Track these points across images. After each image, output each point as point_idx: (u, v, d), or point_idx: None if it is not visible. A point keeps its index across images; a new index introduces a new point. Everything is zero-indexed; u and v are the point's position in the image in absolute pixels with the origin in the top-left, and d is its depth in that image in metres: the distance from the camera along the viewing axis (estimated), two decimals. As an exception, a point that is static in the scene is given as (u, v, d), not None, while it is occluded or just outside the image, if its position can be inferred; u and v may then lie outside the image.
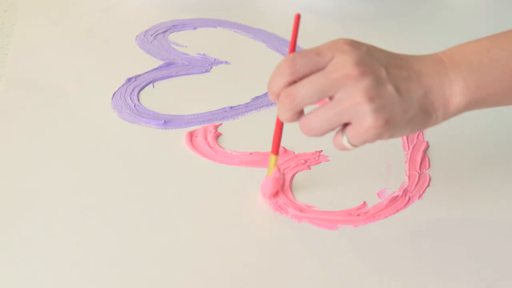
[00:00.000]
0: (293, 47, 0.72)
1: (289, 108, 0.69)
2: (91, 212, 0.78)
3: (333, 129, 0.70)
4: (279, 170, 0.80)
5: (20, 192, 0.80)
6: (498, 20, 1.16)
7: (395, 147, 0.88)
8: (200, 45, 1.06)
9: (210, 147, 0.87)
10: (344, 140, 0.70)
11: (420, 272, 0.73)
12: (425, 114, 0.69)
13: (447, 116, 0.70)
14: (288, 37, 1.08)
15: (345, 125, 0.69)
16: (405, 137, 0.89)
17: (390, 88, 0.68)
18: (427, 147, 0.88)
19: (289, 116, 0.70)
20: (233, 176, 0.84)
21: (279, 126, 0.77)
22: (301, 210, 0.79)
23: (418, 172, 0.84)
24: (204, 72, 1.01)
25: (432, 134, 0.89)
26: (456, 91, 0.69)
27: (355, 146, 0.70)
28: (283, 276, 0.72)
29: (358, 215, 0.79)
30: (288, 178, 0.83)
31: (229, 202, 0.80)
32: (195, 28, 1.11)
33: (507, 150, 0.88)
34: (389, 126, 0.68)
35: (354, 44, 0.69)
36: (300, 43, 1.06)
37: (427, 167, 0.85)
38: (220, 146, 0.87)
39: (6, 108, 0.92)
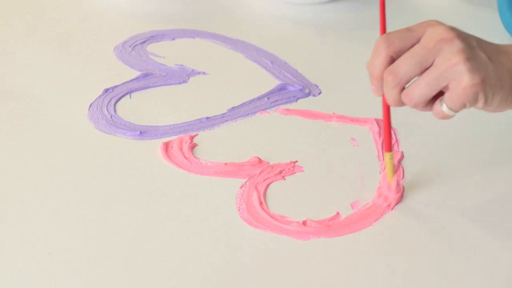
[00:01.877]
0: (384, 29, 0.76)
1: (393, 85, 0.73)
2: (65, 222, 0.78)
3: (433, 94, 0.73)
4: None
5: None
6: (470, 27, 1.16)
7: (370, 158, 0.88)
8: (178, 56, 1.06)
9: (185, 158, 0.87)
10: (444, 107, 0.73)
11: (393, 284, 0.73)
12: None
13: None
14: (266, 47, 1.09)
15: (442, 94, 0.73)
16: (380, 147, 0.89)
17: (482, 54, 0.72)
18: (402, 157, 0.88)
19: (395, 94, 0.73)
20: (207, 186, 0.84)
21: (387, 114, 0.79)
22: (275, 220, 0.79)
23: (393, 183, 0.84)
24: (181, 83, 1.01)
25: (406, 145, 0.90)
26: None
27: (454, 111, 0.73)
28: (254, 286, 0.72)
29: (331, 226, 0.79)
30: (262, 188, 0.83)
31: (203, 213, 0.80)
32: (173, 39, 1.11)
33: (481, 161, 0.88)
34: (484, 86, 0.71)
35: (442, 22, 0.73)
36: (280, 53, 1.07)
37: (402, 177, 0.85)
38: (195, 157, 0.88)
39: (-18, 118, 0.92)
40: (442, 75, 0.71)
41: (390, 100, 0.74)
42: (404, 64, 0.72)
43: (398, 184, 0.82)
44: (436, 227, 0.79)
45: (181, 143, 0.89)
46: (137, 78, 1.01)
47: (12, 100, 0.96)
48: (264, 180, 0.85)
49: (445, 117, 0.74)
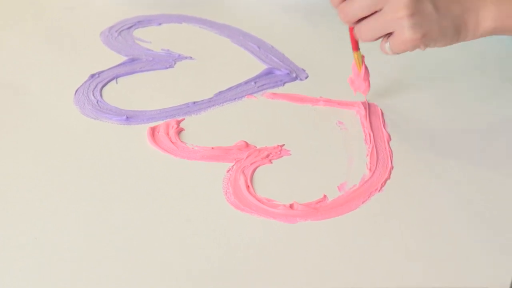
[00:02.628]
0: None
1: (345, 21, 0.82)
2: (51, 208, 0.78)
3: (380, 36, 0.81)
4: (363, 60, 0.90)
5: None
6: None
7: (357, 141, 0.88)
8: (164, 41, 1.06)
9: (172, 142, 0.87)
10: (387, 47, 0.81)
11: (380, 266, 0.73)
12: (457, 32, 0.80)
13: (475, 36, 0.81)
14: (254, 32, 1.09)
15: (390, 33, 0.80)
16: (367, 130, 0.89)
17: (429, 5, 0.78)
18: (389, 139, 0.88)
19: (348, 24, 0.83)
20: (194, 171, 0.83)
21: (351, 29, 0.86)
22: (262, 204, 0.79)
23: (379, 164, 0.84)
24: (168, 68, 1.01)
25: (394, 126, 0.90)
26: (488, 16, 0.80)
27: (396, 53, 0.81)
28: (241, 270, 0.72)
29: (318, 208, 0.79)
30: (249, 172, 0.83)
31: (190, 197, 0.80)
32: (160, 24, 1.11)
33: (471, 141, 0.88)
34: (425, 39, 0.79)
35: None
36: (267, 38, 1.07)
37: (389, 159, 0.85)
38: (182, 141, 0.87)
39: (-33, 105, 0.92)
40: (387, 23, 0.79)
41: (345, 23, 0.83)
42: (355, 5, 0.79)
43: (366, 71, 0.90)
44: (423, 208, 0.79)
45: (168, 127, 0.89)
46: (123, 63, 1.01)
47: (-3, 86, 0.95)
48: (251, 164, 0.84)
49: (389, 54, 0.81)
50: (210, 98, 0.95)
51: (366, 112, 0.91)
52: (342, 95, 0.94)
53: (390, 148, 0.87)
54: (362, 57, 0.89)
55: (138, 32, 1.08)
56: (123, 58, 1.02)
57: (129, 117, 0.91)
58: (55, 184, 0.81)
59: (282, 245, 0.75)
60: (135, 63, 1.01)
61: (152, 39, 1.06)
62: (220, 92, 0.96)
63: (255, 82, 0.98)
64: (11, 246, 0.73)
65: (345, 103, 0.94)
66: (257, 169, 0.84)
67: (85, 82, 0.97)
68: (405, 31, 0.78)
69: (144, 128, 0.89)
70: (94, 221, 0.76)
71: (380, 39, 0.82)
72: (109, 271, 0.71)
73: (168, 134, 0.88)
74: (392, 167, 0.84)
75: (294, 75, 0.99)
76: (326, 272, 0.72)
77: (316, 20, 1.13)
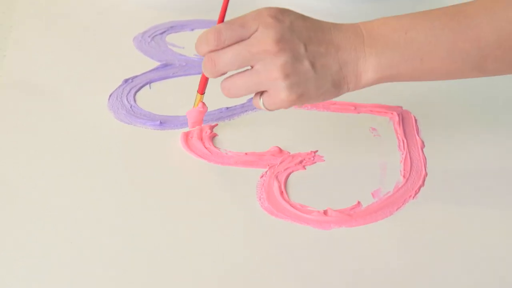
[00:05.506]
0: (222, 19, 0.80)
1: (211, 72, 0.77)
2: (87, 212, 0.78)
3: (250, 93, 0.76)
4: (204, 104, 0.87)
5: (16, 194, 0.80)
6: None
7: (390, 147, 0.88)
8: (197, 46, 1.06)
9: (206, 148, 0.87)
10: (261, 103, 0.76)
11: (415, 273, 0.73)
12: (337, 88, 0.76)
13: (357, 87, 0.77)
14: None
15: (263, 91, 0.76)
16: (401, 137, 0.89)
17: (306, 64, 0.73)
18: (423, 146, 0.88)
19: (211, 76, 0.78)
20: (228, 176, 0.84)
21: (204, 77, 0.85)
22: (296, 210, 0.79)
23: (413, 171, 0.84)
24: (201, 73, 1.01)
25: (427, 133, 0.89)
26: (369, 67, 0.75)
27: (270, 110, 0.77)
28: (276, 276, 0.72)
29: (352, 215, 0.79)
30: (282, 178, 0.83)
31: (224, 203, 0.80)
32: (192, 30, 1.11)
33: (505, 149, 0.88)
34: (302, 99, 0.75)
35: (278, 17, 0.74)
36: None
37: (423, 166, 0.85)
38: (215, 147, 0.88)
39: (3, 109, 0.92)
40: (261, 83, 0.74)
41: (206, 75, 0.78)
42: (225, 58, 0.74)
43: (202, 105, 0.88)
44: (458, 215, 0.79)
45: (201, 133, 0.89)
46: (156, 69, 1.01)
47: (33, 92, 0.96)
48: (285, 169, 0.84)
49: (263, 109, 0.77)
50: (243, 104, 0.95)
51: (399, 118, 0.91)
52: (375, 101, 0.94)
53: (424, 155, 0.86)
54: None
55: (171, 38, 1.09)
56: (156, 63, 1.03)
57: (163, 122, 0.91)
58: (90, 189, 0.81)
59: (316, 252, 0.75)
60: (168, 69, 1.02)
61: (185, 44, 1.07)
62: (253, 97, 0.96)
63: (288, 88, 0.98)
64: (48, 248, 0.74)
65: (378, 110, 0.93)
66: (291, 175, 0.84)
67: (119, 87, 0.97)
68: (280, 92, 0.74)
69: (177, 133, 0.90)
70: (130, 226, 0.77)
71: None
72: (145, 273, 0.72)
73: (201, 139, 0.88)
74: (426, 174, 0.84)
75: (327, 81, 0.99)
76: (360, 279, 0.72)
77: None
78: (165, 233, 0.76)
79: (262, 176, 0.83)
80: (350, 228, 0.77)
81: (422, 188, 0.82)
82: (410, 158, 0.86)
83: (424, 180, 0.83)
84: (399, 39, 0.75)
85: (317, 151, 0.87)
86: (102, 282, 0.71)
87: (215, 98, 0.95)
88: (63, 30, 1.10)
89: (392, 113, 0.93)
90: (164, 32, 1.10)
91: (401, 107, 0.94)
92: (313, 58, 0.74)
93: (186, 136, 0.89)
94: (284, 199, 0.80)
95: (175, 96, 0.97)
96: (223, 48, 0.74)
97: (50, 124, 0.90)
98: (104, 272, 0.72)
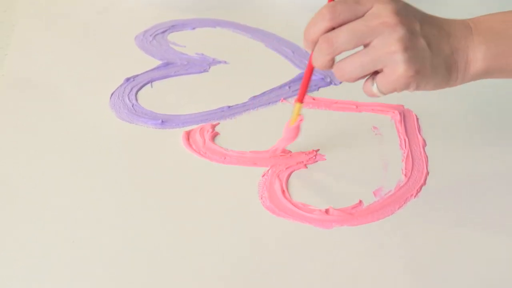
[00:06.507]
0: None
1: (327, 53, 0.72)
2: (88, 211, 0.78)
3: (366, 75, 0.73)
4: (302, 119, 0.82)
5: (16, 192, 0.80)
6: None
7: (392, 146, 0.88)
8: (198, 45, 1.06)
9: (207, 147, 0.87)
10: (374, 87, 0.73)
11: (417, 272, 0.73)
12: (448, 73, 0.73)
13: (465, 79, 0.75)
14: (286, 36, 1.08)
15: (376, 72, 0.73)
16: (402, 135, 0.89)
17: (422, 41, 0.72)
18: (425, 145, 0.88)
19: (324, 61, 0.73)
20: (229, 175, 0.84)
21: (309, 73, 0.78)
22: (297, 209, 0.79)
23: (415, 170, 0.84)
24: (202, 72, 1.01)
25: (429, 132, 0.89)
26: (478, 56, 0.74)
27: (383, 93, 0.73)
28: (277, 276, 0.72)
29: (354, 214, 0.79)
30: (284, 177, 0.83)
31: (225, 202, 0.80)
32: (194, 28, 1.11)
33: (507, 148, 0.88)
34: (418, 77, 0.71)
35: None
36: (299, 42, 1.07)
37: (424, 165, 0.85)
38: (217, 145, 0.88)
39: (4, 107, 0.92)
40: (378, 58, 0.71)
41: (317, 64, 0.74)
42: (343, 36, 0.71)
43: (298, 127, 0.83)
44: (460, 214, 0.79)
45: (203, 132, 0.89)
46: (158, 67, 1.01)
47: (35, 90, 0.96)
48: (286, 168, 0.84)
49: (374, 95, 0.74)
50: (245, 103, 0.95)
51: (401, 117, 0.91)
52: (376, 100, 0.94)
53: (426, 154, 0.86)
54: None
55: (172, 36, 1.09)
56: (158, 62, 1.02)
57: (164, 121, 0.91)
58: (91, 188, 0.81)
59: (318, 250, 0.75)
60: (169, 67, 1.02)
61: (187, 43, 1.07)
62: (254, 96, 0.96)
63: (289, 87, 0.98)
64: (49, 248, 0.74)
65: (380, 108, 0.93)
66: (292, 174, 0.84)
67: (121, 85, 0.97)
68: (398, 67, 0.71)
69: (179, 132, 0.90)
70: (131, 226, 0.77)
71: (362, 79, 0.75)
72: (146, 273, 0.72)
73: (203, 138, 0.88)
74: (427, 173, 0.84)
75: (328, 80, 0.99)
76: (362, 277, 0.72)
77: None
78: (166, 233, 0.76)
79: (263, 175, 0.83)
80: (352, 227, 0.77)
81: (423, 187, 0.82)
82: (412, 156, 0.86)
83: (425, 179, 0.83)
84: (507, 29, 0.75)
85: (318, 150, 0.87)
86: (102, 282, 0.71)
87: (216, 97, 0.96)
88: (64, 29, 1.10)
89: (393, 112, 0.93)
90: (166, 30, 1.10)
91: (403, 106, 0.94)
92: (427, 38, 0.72)
93: (188, 135, 0.89)
94: (286, 198, 0.80)
95: (177, 95, 0.97)
96: (338, 24, 0.71)
97: (51, 123, 0.90)
98: (106, 272, 0.72)
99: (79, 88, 0.97)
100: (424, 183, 0.83)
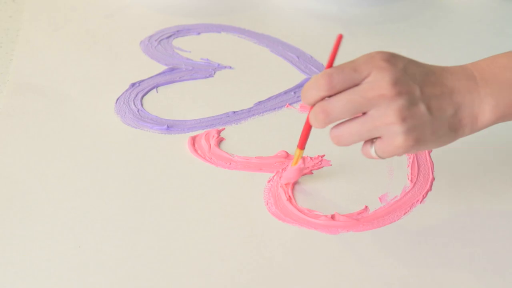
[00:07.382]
0: (331, 63, 0.72)
1: (323, 122, 0.71)
2: (94, 216, 0.78)
3: (362, 141, 0.72)
4: (304, 161, 0.82)
5: (23, 196, 0.80)
6: (503, 24, 1.16)
7: (397, 152, 0.88)
8: (203, 50, 1.06)
9: (213, 152, 0.87)
10: (372, 151, 0.72)
11: (423, 278, 0.73)
12: (453, 132, 0.71)
13: (474, 131, 0.73)
14: (291, 41, 1.09)
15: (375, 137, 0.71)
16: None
17: (422, 107, 0.69)
18: (430, 150, 0.88)
19: (321, 126, 0.72)
20: (235, 180, 0.84)
21: (308, 127, 0.77)
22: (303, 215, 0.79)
23: (420, 176, 0.84)
24: (207, 77, 1.01)
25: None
26: (485, 108, 0.71)
27: (382, 158, 0.72)
28: (282, 281, 0.72)
29: (360, 219, 0.79)
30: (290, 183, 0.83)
31: (231, 207, 0.80)
32: (199, 33, 1.11)
33: (509, 153, 0.88)
34: (417, 145, 0.70)
35: (391, 60, 0.70)
36: (306, 48, 1.07)
37: (430, 170, 0.85)
38: (222, 151, 0.88)
39: (10, 112, 0.92)
40: (376, 128, 0.70)
41: (315, 126, 0.72)
42: (339, 106, 0.70)
43: (299, 169, 0.82)
44: (466, 220, 0.79)
45: (208, 137, 0.89)
46: (163, 73, 1.01)
47: (40, 95, 0.96)
48: (292, 174, 0.85)
49: (373, 158, 0.73)
50: (250, 108, 0.95)
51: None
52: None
53: (431, 159, 0.86)
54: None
55: (177, 42, 1.09)
56: (163, 67, 1.03)
57: (170, 126, 0.91)
58: (96, 193, 0.81)
59: (324, 256, 0.75)
60: (174, 73, 1.02)
61: (192, 48, 1.07)
62: (259, 102, 0.96)
63: (294, 92, 0.98)
64: (54, 254, 0.74)
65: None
66: (298, 180, 0.84)
67: (126, 91, 0.97)
68: (397, 138, 0.69)
69: (184, 138, 0.90)
70: (136, 231, 0.77)
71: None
72: (155, 280, 0.72)
73: (208, 143, 0.88)
74: (433, 178, 0.84)
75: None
76: (367, 283, 0.72)
77: (355, 30, 1.13)
78: (172, 238, 0.76)
79: (269, 181, 0.83)
80: (358, 233, 0.77)
81: (429, 193, 0.82)
82: (417, 162, 0.86)
83: (431, 185, 0.83)
84: None
85: (324, 155, 0.87)
86: (105, 282, 0.71)
87: (222, 102, 0.96)
88: (70, 34, 1.10)
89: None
90: (171, 36, 1.10)
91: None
92: (428, 101, 0.70)
93: (193, 140, 0.89)
94: (292, 204, 0.80)
95: (182, 100, 0.97)
96: (334, 94, 0.70)
97: (57, 128, 0.90)
98: (110, 275, 0.72)
99: (85, 94, 0.97)
100: (430, 188, 0.83)
